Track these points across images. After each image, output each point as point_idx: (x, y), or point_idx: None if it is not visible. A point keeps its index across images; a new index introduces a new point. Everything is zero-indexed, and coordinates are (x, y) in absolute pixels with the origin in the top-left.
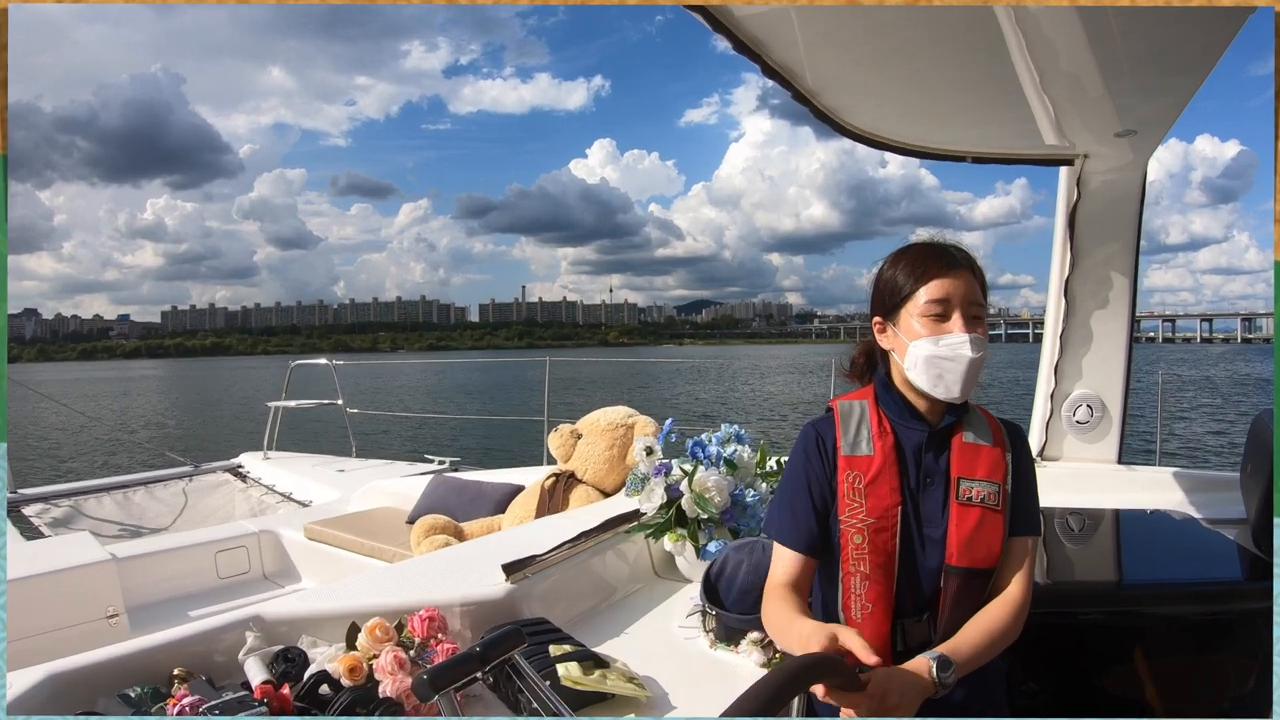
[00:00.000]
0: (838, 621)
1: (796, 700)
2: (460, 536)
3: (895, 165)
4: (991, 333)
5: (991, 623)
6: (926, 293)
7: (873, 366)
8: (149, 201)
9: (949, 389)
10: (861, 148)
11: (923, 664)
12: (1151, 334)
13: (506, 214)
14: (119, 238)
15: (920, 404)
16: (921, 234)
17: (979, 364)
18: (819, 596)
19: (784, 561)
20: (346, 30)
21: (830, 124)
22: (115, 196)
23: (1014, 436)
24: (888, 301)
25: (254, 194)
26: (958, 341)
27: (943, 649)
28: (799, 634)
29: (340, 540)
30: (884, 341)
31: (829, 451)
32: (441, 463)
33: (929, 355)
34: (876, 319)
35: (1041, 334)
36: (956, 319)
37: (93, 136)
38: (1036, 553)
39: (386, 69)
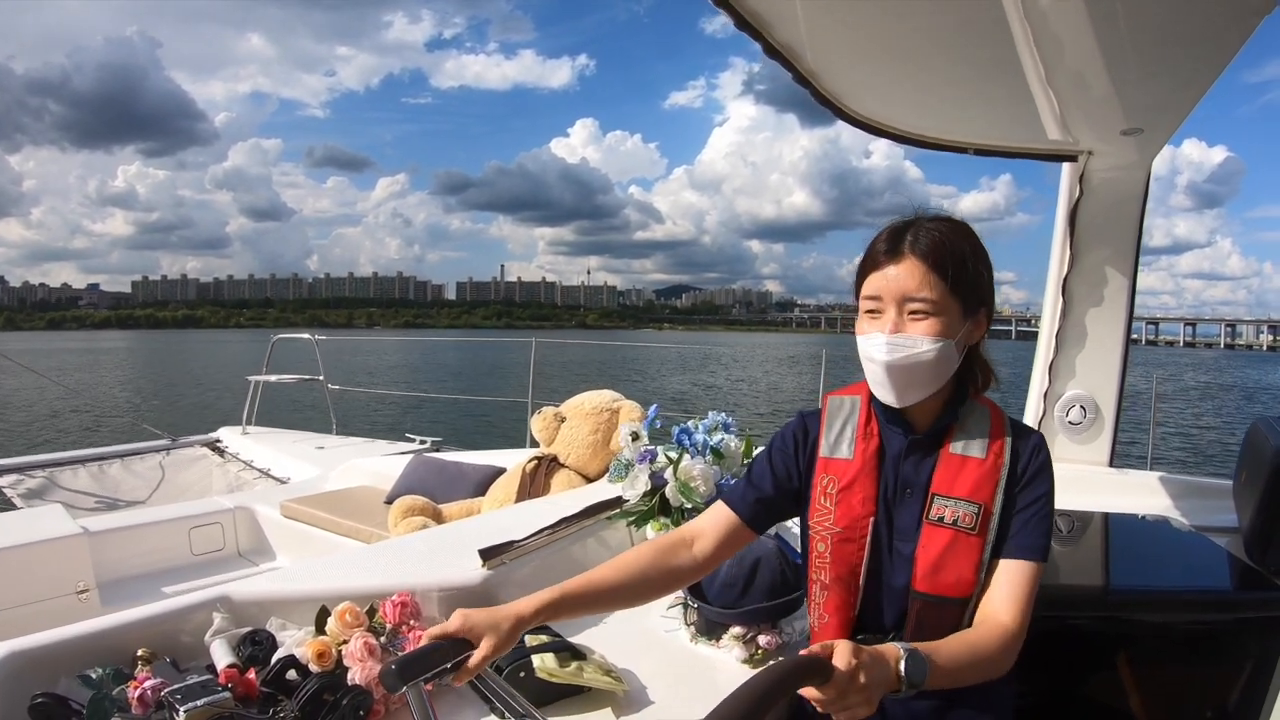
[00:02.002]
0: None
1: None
2: (438, 518)
3: (879, 156)
4: None
5: (976, 643)
6: (865, 287)
7: None
8: (120, 168)
9: (883, 393)
10: (846, 136)
11: (891, 652)
12: (1135, 335)
13: (485, 191)
14: (89, 205)
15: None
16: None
17: (902, 369)
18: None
19: (707, 513)
20: None
21: (831, 108)
22: (86, 162)
23: (1026, 448)
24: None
25: (228, 163)
26: (872, 344)
27: (919, 646)
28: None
29: (317, 519)
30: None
31: (809, 446)
32: (423, 442)
33: (862, 354)
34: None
35: (1024, 330)
36: (888, 316)
37: (65, 100)
38: (1036, 585)
39: (368, 40)
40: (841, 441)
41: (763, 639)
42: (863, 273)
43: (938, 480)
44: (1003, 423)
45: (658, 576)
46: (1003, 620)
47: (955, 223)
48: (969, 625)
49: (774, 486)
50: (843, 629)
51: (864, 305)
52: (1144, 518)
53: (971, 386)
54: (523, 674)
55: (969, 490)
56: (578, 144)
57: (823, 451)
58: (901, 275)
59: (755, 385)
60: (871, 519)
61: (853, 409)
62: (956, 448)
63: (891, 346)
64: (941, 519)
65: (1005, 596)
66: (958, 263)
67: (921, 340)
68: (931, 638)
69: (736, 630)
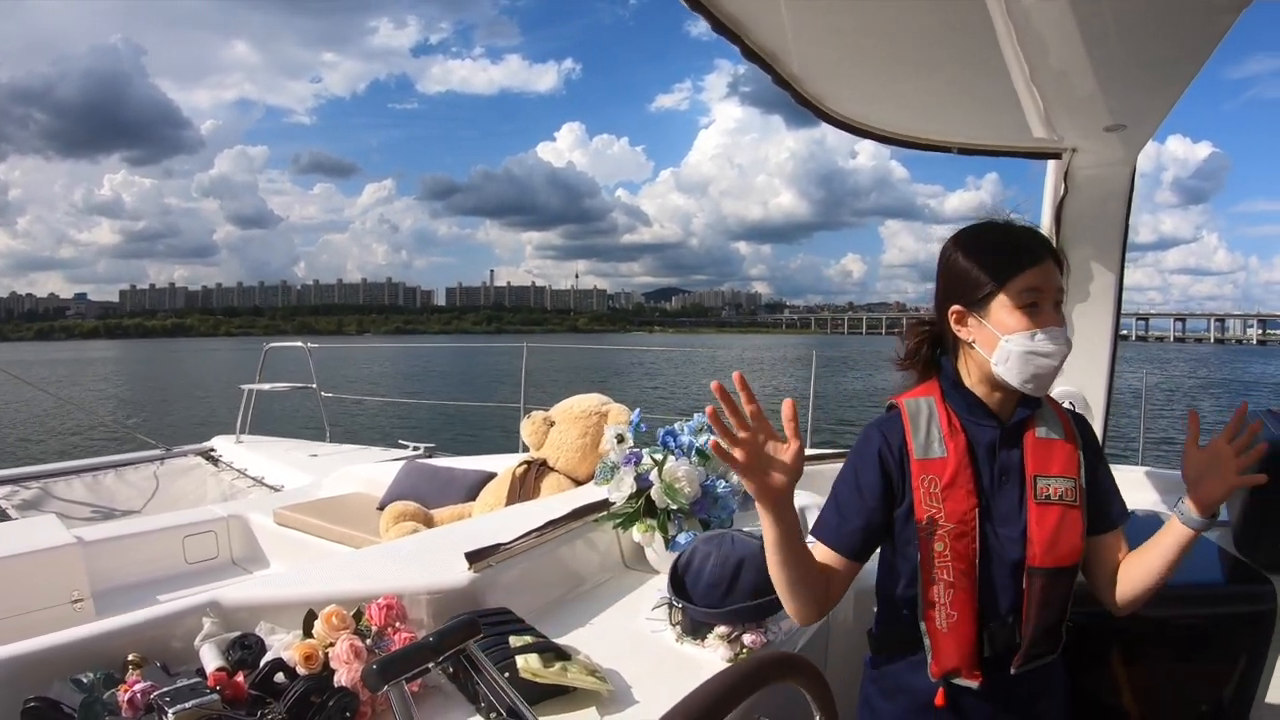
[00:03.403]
0: (917, 632)
1: None
2: (430, 523)
3: (865, 156)
4: None
5: None
6: (1020, 282)
7: (935, 357)
8: (106, 177)
9: (1040, 384)
10: (832, 136)
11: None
12: (1125, 331)
13: (471, 196)
14: (75, 214)
15: (993, 399)
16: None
17: (1066, 357)
18: (889, 610)
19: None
20: (314, 4)
21: (812, 110)
22: (72, 171)
23: (1081, 428)
24: (973, 291)
25: (214, 171)
26: (1055, 335)
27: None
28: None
29: (309, 526)
30: (965, 333)
31: (896, 455)
32: (416, 448)
33: (1025, 350)
34: (956, 308)
35: None
36: (1049, 310)
37: (50, 109)
38: None
39: (354, 46)
40: (932, 442)
41: (748, 638)
42: (1014, 269)
43: (1033, 464)
44: (1060, 407)
45: (815, 587)
46: None
47: None
48: (1097, 587)
49: (880, 511)
50: (972, 621)
51: (1021, 300)
52: (1135, 513)
53: None
54: (507, 675)
55: (1062, 468)
56: (564, 148)
57: (915, 455)
58: (1050, 272)
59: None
60: (976, 509)
61: (931, 410)
62: (1040, 433)
63: (1068, 337)
64: (1049, 497)
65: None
66: None
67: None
68: (1051, 610)
69: (722, 630)
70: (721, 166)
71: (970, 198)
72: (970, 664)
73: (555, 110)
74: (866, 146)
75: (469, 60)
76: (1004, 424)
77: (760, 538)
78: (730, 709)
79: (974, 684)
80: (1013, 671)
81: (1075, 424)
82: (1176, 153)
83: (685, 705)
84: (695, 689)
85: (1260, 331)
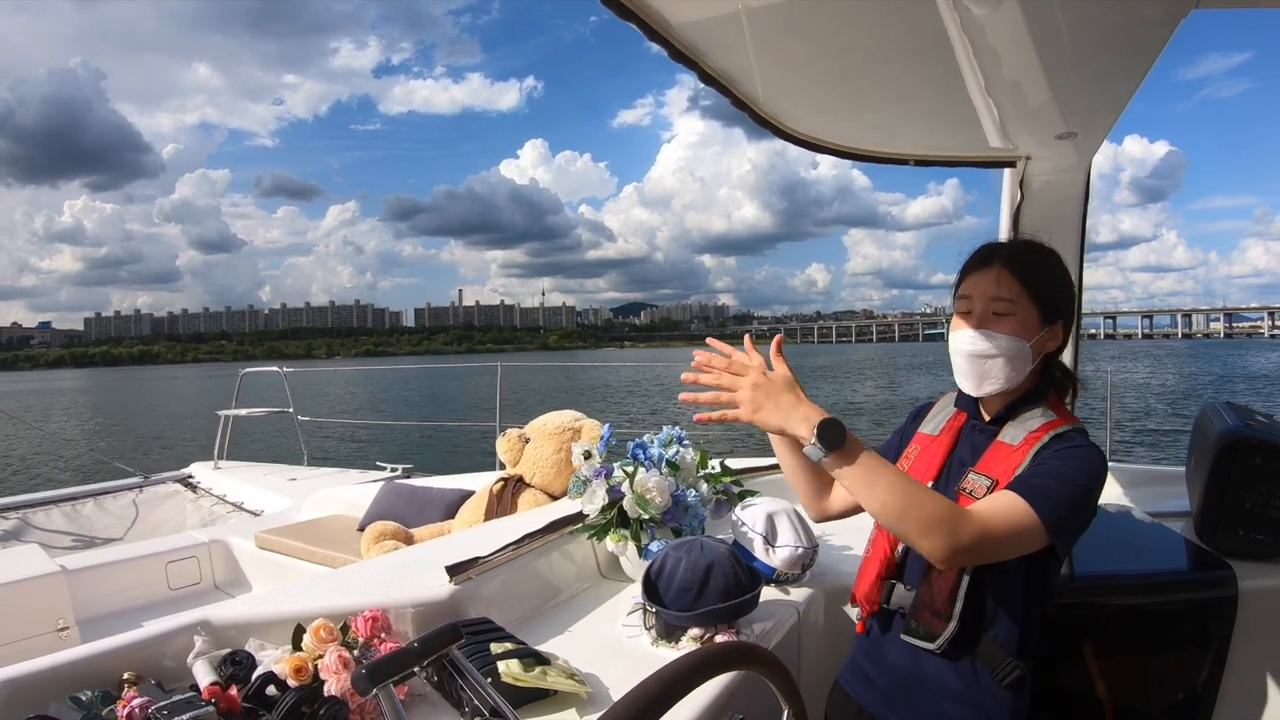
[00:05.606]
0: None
1: None
2: (409, 542)
3: (827, 166)
4: (933, 331)
5: (914, 486)
6: (961, 289)
7: None
8: (67, 203)
9: (964, 382)
10: (793, 149)
11: (812, 407)
12: (1093, 330)
13: (435, 216)
14: (36, 241)
15: (982, 398)
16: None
17: (981, 360)
18: None
19: None
20: (275, 26)
21: (770, 129)
22: (32, 198)
23: (1061, 444)
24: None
25: (176, 195)
26: (957, 337)
27: (855, 437)
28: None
29: (291, 549)
30: None
31: (912, 424)
32: (394, 470)
33: (952, 349)
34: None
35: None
36: (977, 316)
37: (8, 134)
38: (1016, 517)
39: (315, 67)
40: (938, 422)
41: (720, 639)
42: (959, 279)
43: (981, 461)
44: (1055, 426)
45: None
46: (964, 507)
47: (1040, 245)
48: (968, 586)
49: (893, 460)
50: (880, 567)
51: (958, 306)
52: (1102, 507)
53: (1053, 391)
54: (489, 680)
55: (995, 470)
56: (527, 165)
57: (920, 428)
58: (989, 280)
59: None
60: (931, 483)
61: (950, 400)
62: (1005, 436)
63: (974, 338)
64: (970, 491)
65: (979, 503)
66: (1037, 274)
67: (1001, 337)
68: (934, 590)
69: (694, 632)
70: (684, 180)
71: (932, 204)
72: (866, 599)
73: (518, 128)
74: (827, 158)
75: (431, 80)
76: (984, 421)
77: (730, 543)
78: (685, 692)
79: (863, 617)
80: (901, 636)
81: (1058, 441)
82: (1134, 153)
83: (637, 691)
84: (653, 673)
85: (1227, 325)
